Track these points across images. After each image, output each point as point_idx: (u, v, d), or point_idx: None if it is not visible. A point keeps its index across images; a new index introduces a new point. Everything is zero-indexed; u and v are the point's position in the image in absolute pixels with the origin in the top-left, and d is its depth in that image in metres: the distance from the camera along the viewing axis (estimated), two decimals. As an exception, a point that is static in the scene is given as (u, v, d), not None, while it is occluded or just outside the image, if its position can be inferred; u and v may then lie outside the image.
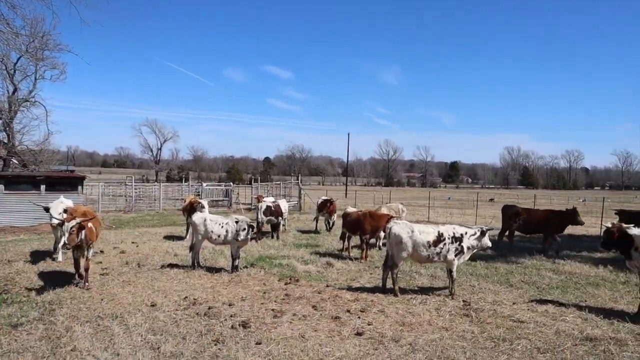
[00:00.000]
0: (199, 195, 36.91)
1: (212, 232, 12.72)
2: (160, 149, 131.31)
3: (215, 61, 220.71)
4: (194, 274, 12.32)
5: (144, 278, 11.86)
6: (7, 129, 33.37)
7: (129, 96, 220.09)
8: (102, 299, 9.98)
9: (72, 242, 10.16)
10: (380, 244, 17.12)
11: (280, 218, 19.95)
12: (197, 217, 13.21)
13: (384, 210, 18.50)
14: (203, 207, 17.27)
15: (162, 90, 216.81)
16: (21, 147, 34.49)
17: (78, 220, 10.34)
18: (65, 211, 13.52)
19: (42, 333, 7.90)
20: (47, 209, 13.64)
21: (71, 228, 10.10)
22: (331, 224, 22.49)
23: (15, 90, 33.74)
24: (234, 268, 12.55)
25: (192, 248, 13.10)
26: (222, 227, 12.71)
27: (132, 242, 17.94)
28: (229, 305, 9.59)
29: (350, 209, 17.00)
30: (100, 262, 13.78)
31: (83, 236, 10.43)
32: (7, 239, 18.80)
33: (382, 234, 16.39)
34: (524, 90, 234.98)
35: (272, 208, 19.65)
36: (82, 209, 11.90)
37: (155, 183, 51.39)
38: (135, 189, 38.01)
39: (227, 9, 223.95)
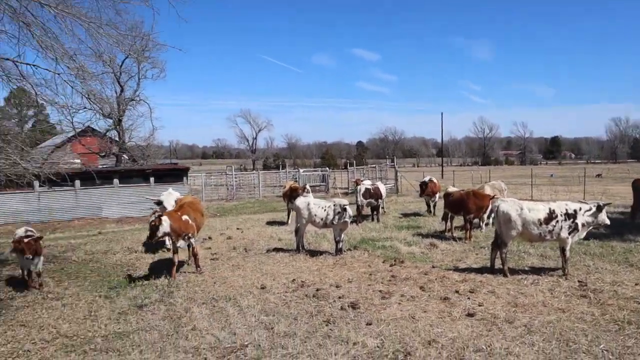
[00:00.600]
0: (296, 181, 37.62)
1: (315, 215, 12.88)
2: (256, 138, 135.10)
3: (303, 49, 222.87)
4: (299, 257, 12.56)
5: (251, 262, 12.26)
6: (117, 127, 35.74)
7: (223, 89, 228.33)
8: (214, 282, 10.43)
9: (153, 235, 10.43)
10: (484, 225, 16.48)
11: (379, 200, 19.83)
12: (300, 201, 13.42)
13: (487, 189, 17.82)
14: (308, 191, 17.48)
15: (254, 81, 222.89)
16: (130, 144, 36.83)
17: (158, 214, 10.69)
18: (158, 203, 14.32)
19: (164, 313, 8.39)
20: (159, 202, 14.40)
21: (151, 222, 10.52)
22: (432, 205, 21.70)
23: (122, 90, 36.00)
24: (338, 251, 12.64)
25: (297, 232, 13.35)
26: (325, 210, 12.82)
27: (237, 229, 18.61)
28: (336, 287, 9.67)
29: (452, 189, 16.53)
30: (210, 248, 14.42)
31: (168, 229, 10.51)
32: (124, 229, 20.23)
33: (485, 214, 15.82)
34: (629, 55, 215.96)
35: (372, 190, 19.55)
36: (188, 199, 12.45)
37: (254, 171, 53.07)
38: (235, 178, 39.40)
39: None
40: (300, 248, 13.21)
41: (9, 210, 23.08)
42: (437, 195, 21.27)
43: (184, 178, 26.75)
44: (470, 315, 7.88)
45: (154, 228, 10.35)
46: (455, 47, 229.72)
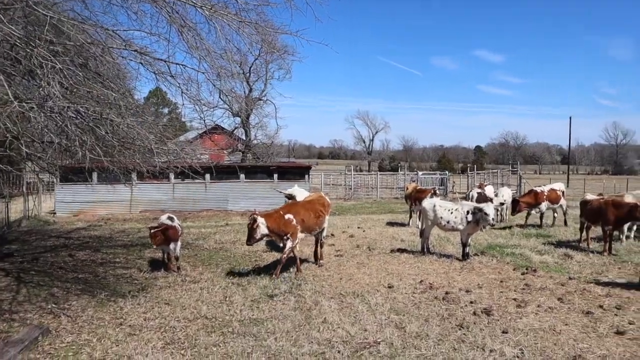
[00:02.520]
0: (414, 182, 37.12)
1: (441, 218, 12.57)
2: (372, 140, 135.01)
3: (423, 51, 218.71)
4: (424, 259, 12.33)
5: (376, 261, 12.24)
6: (245, 125, 37.49)
7: (341, 90, 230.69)
8: (340, 278, 10.54)
9: (251, 238, 10.21)
10: (624, 238, 15.09)
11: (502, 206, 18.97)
12: (426, 202, 13.19)
13: (629, 199, 16.33)
14: (437, 195, 17.14)
15: (373, 82, 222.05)
16: (255, 142, 38.48)
17: (253, 215, 10.38)
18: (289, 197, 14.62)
19: (294, 304, 8.60)
20: (291, 197, 14.78)
21: (248, 224, 10.47)
22: (551, 216, 19.45)
23: (250, 90, 37.71)
24: (465, 255, 12.24)
25: (422, 233, 13.14)
26: (452, 213, 12.48)
27: (358, 227, 18.71)
28: (466, 291, 9.35)
29: (590, 196, 15.35)
30: (333, 245, 14.61)
31: (265, 230, 10.21)
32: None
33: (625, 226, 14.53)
34: None
35: (484, 195, 18.89)
36: (313, 196, 12.59)
37: (373, 173, 53.18)
38: (354, 178, 39.75)
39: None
40: (425, 250, 12.97)
41: (147, 199, 25.12)
42: (545, 205, 18.47)
43: (306, 176, 27.40)
44: (619, 333, 7.25)
45: (252, 231, 10.11)
46: (590, 47, 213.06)
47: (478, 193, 19.77)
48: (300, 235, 10.91)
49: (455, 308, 8.32)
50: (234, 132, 38.67)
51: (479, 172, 49.28)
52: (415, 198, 18.82)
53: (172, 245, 11.00)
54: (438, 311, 8.15)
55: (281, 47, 11.16)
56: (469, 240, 12.51)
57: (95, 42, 8.55)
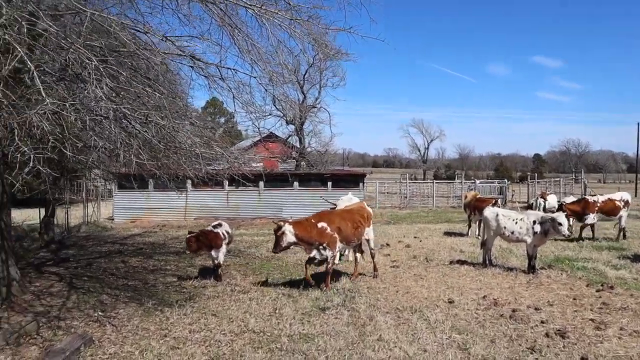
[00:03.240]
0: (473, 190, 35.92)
1: (504, 228, 11.73)
2: (427, 148, 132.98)
3: (478, 58, 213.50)
4: (486, 272, 11.52)
5: (434, 273, 11.54)
6: (299, 133, 37.34)
7: (396, 98, 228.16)
8: (397, 291, 9.92)
9: (277, 246, 9.75)
10: None
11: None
12: (488, 212, 12.36)
13: None
14: (499, 205, 16.22)
15: (428, 90, 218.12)
16: (309, 150, 38.25)
17: (279, 223, 9.87)
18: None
19: (347, 319, 8.07)
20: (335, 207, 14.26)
21: (274, 230, 9.99)
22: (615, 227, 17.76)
23: (304, 98, 37.54)
24: (531, 268, 11.35)
25: (483, 245, 12.33)
26: (516, 223, 11.62)
27: (415, 237, 18.00)
28: (535, 309, 8.53)
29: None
30: (389, 255, 14.00)
31: (293, 239, 9.61)
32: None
33: None
34: None
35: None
36: (354, 206, 11.85)
37: (428, 181, 52.08)
38: (409, 186, 38.94)
39: (479, 5, 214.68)
40: (487, 262, 12.15)
41: (202, 206, 25.26)
42: (593, 217, 16.66)
43: (361, 184, 26.89)
44: None
45: (277, 238, 9.64)
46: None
47: (544, 201, 18.67)
48: (340, 246, 10.29)
49: (524, 328, 7.54)
50: (288, 139, 38.58)
51: (539, 180, 47.29)
52: (474, 207, 17.95)
53: (213, 253, 10.76)
54: (505, 331, 7.40)
55: (335, 49, 10.64)
56: (536, 252, 11.61)
57: (147, 47, 8.39)
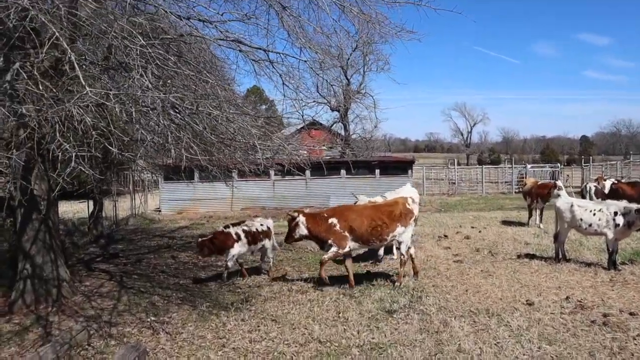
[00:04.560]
0: (523, 176, 34.43)
1: (580, 220, 10.69)
2: (470, 132, 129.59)
3: (521, 37, 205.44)
4: (561, 268, 10.53)
5: (503, 269, 10.64)
6: (343, 120, 36.49)
7: (438, 82, 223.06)
8: (466, 290, 9.10)
9: (289, 237, 9.53)
10: None
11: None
12: (562, 202, 11.30)
13: None
14: (561, 188, 15.08)
15: (469, 72, 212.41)
16: (354, 136, 37.37)
17: (292, 214, 9.49)
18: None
19: (418, 324, 7.33)
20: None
21: (288, 221, 9.59)
22: None
23: (348, 83, 36.58)
24: (611, 264, 10.30)
25: (556, 238, 11.30)
26: (594, 214, 10.57)
27: (472, 227, 17.02)
28: (631, 314, 7.53)
29: None
30: (449, 248, 13.14)
31: (305, 231, 9.29)
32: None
33: None
34: None
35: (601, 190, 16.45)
36: (388, 201, 10.77)
37: (477, 166, 50.52)
38: (456, 172, 37.73)
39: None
40: (561, 257, 11.14)
41: (248, 196, 24.84)
42: None
43: (409, 171, 25.98)
44: None
45: (291, 229, 9.40)
46: None
47: (595, 187, 17.36)
48: (350, 244, 9.39)
49: (624, 338, 6.61)
50: (333, 127, 37.76)
51: (596, 164, 45.06)
52: (536, 194, 16.85)
53: (229, 252, 9.99)
54: (602, 341, 6.50)
55: (399, 26, 9.77)
56: (617, 245, 10.55)
57: (192, 32, 7.80)
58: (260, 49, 9.77)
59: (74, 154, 5.05)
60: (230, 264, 10.07)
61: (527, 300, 8.30)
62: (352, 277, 9.51)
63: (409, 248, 9.85)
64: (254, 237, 10.37)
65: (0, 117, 5.86)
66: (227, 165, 9.18)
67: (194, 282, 10.22)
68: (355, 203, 12.33)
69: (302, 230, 9.29)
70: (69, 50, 4.61)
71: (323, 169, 22.36)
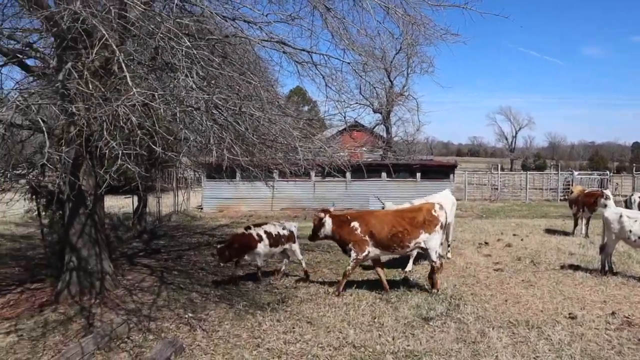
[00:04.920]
0: (569, 183, 33.46)
1: (629, 232, 10.30)
2: (515, 136, 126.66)
3: (569, 41, 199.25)
4: (607, 281, 10.17)
5: (545, 279, 10.35)
6: (386, 122, 36.28)
7: (482, 85, 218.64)
8: (505, 300, 8.89)
9: (314, 235, 9.58)
10: None
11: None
12: (610, 212, 10.92)
13: None
14: (608, 197, 14.58)
15: (515, 76, 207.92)
16: (396, 139, 37.12)
17: (319, 214, 9.46)
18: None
19: (455, 333, 7.20)
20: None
21: (314, 220, 9.61)
22: None
23: (391, 86, 36.34)
24: (662, 279, 9.92)
25: (602, 249, 10.92)
26: (645, 225, 10.18)
27: (514, 235, 16.64)
28: (682, 333, 7.25)
29: None
30: (489, 255, 12.88)
31: (329, 232, 9.34)
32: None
33: None
34: None
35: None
36: (414, 207, 10.32)
37: (521, 172, 49.41)
38: (500, 177, 36.98)
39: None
40: (607, 269, 10.76)
41: (288, 196, 25.00)
42: None
43: (451, 175, 25.62)
44: None
45: (316, 228, 9.46)
46: None
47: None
48: (370, 249, 9.28)
49: (675, 358, 6.36)
50: (375, 129, 37.57)
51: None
52: (583, 203, 16.33)
53: (247, 257, 10.14)
54: (650, 360, 6.28)
55: (442, 28, 9.66)
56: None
57: (237, 33, 7.90)
58: (303, 50, 9.82)
59: (120, 152, 5.20)
60: (259, 263, 10.17)
61: (569, 314, 8.05)
62: (385, 282, 9.47)
63: (440, 255, 9.73)
64: (275, 240, 10.31)
65: (53, 114, 6.11)
66: (268, 166, 9.24)
67: (228, 282, 10.16)
68: (382, 209, 12.22)
69: (327, 230, 9.37)
70: (118, 51, 4.74)
71: (363, 171, 22.35)
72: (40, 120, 5.37)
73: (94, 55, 5.26)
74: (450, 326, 7.49)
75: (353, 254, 9.22)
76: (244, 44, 8.43)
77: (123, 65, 4.66)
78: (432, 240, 9.43)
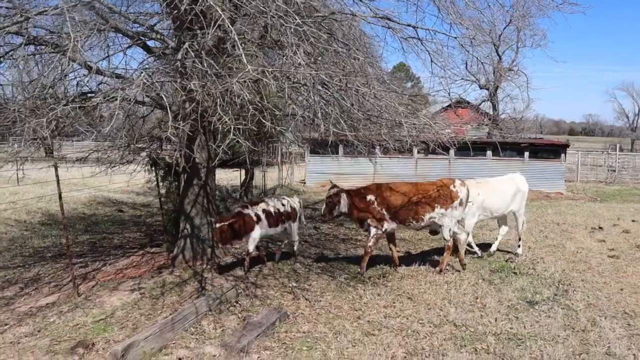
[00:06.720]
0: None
1: None
2: (638, 114, 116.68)
3: None
4: None
5: (668, 270, 9.61)
6: (492, 98, 34.87)
7: (602, 59, 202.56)
8: (621, 289, 8.37)
9: (329, 213, 9.19)
10: None
11: None
12: None
13: None
14: None
15: (635, 48, 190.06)
16: (504, 116, 35.61)
17: (335, 190, 9.12)
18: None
19: (562, 319, 6.92)
20: None
21: (327, 197, 9.21)
22: None
23: (499, 60, 34.75)
24: None
25: None
26: None
27: (632, 221, 15.46)
28: None
29: None
30: (604, 241, 12.12)
31: (345, 209, 9.06)
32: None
33: None
34: None
35: None
36: (434, 183, 9.54)
37: (644, 153, 45.66)
38: (618, 158, 34.36)
39: None
40: None
41: (390, 173, 24.89)
42: None
43: (562, 155, 24.17)
44: None
45: (331, 206, 9.08)
46: None
47: None
48: (387, 224, 9.02)
49: None
50: (480, 105, 36.25)
51: None
52: None
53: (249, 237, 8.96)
54: None
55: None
56: None
57: (343, 10, 7.94)
58: (409, 25, 9.68)
59: (232, 126, 5.48)
60: (251, 248, 9.02)
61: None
62: (396, 259, 9.51)
63: (455, 233, 9.30)
64: (275, 219, 9.38)
65: (172, 91, 6.55)
66: (372, 142, 9.27)
67: (317, 261, 10.02)
68: None
69: (343, 207, 9.13)
70: (233, 31, 4.97)
71: (468, 149, 21.73)
72: (162, 96, 5.78)
73: (209, 35, 5.55)
74: (557, 312, 7.20)
75: (373, 230, 9.04)
76: (349, 21, 8.45)
77: (237, 43, 4.89)
78: (447, 217, 9.15)
